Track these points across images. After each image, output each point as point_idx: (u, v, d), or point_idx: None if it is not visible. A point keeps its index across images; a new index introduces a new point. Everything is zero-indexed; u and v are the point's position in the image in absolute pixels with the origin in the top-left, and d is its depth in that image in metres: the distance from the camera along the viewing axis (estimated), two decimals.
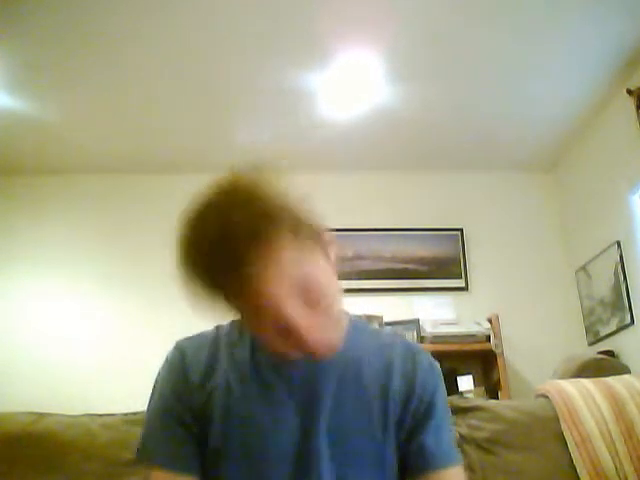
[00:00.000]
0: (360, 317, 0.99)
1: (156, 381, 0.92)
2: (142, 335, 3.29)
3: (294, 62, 2.90)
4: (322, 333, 0.78)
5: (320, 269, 0.80)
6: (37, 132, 3.32)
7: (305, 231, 0.78)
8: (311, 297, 0.77)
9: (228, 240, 0.74)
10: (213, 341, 0.93)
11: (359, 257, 3.63)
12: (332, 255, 0.84)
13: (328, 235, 0.83)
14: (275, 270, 0.74)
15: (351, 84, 3.06)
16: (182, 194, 3.70)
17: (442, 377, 0.95)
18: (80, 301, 3.50)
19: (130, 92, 3.07)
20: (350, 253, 3.60)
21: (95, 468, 1.22)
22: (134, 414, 1.30)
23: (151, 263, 3.53)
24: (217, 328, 0.95)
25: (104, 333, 3.42)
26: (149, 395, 0.92)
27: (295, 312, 0.75)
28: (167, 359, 0.92)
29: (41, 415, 1.32)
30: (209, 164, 3.58)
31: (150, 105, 3.19)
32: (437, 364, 0.96)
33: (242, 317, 0.82)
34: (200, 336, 0.95)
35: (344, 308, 0.87)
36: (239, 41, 2.74)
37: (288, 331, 0.76)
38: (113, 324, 3.44)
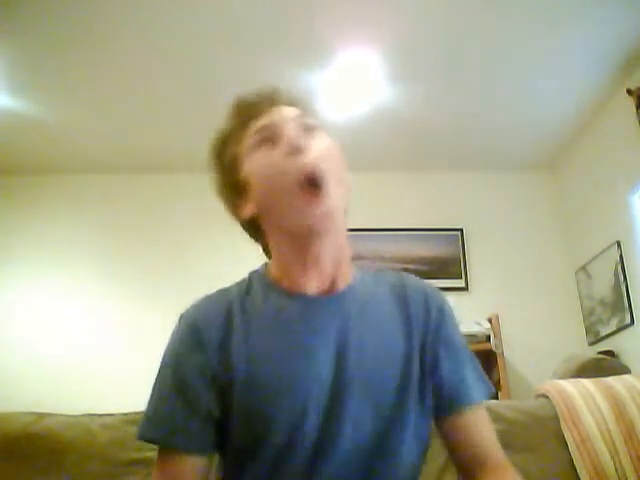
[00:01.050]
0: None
1: (165, 358, 0.87)
2: (142, 335, 3.29)
3: (294, 62, 2.90)
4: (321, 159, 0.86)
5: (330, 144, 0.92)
6: (37, 132, 3.32)
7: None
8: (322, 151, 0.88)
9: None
10: (222, 301, 0.90)
11: (359, 257, 3.63)
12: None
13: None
14: (295, 116, 0.95)
15: (351, 84, 3.06)
16: (182, 194, 3.74)
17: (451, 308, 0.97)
18: (80, 301, 3.50)
19: (130, 92, 3.07)
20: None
21: (95, 468, 1.22)
22: (134, 414, 1.30)
23: (151, 262, 3.54)
24: (224, 290, 0.93)
25: (104, 333, 3.42)
26: (156, 372, 0.87)
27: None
28: (176, 333, 0.88)
29: (41, 415, 1.32)
30: (209, 164, 3.60)
31: (150, 105, 3.19)
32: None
33: (258, 156, 0.90)
34: (207, 301, 0.91)
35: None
36: (240, 41, 2.74)
37: (297, 148, 0.85)
38: (113, 324, 3.44)
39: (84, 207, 3.68)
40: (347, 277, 0.91)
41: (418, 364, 0.87)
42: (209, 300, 0.91)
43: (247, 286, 0.92)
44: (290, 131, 0.89)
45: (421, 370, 0.87)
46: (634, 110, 2.89)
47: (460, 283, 3.64)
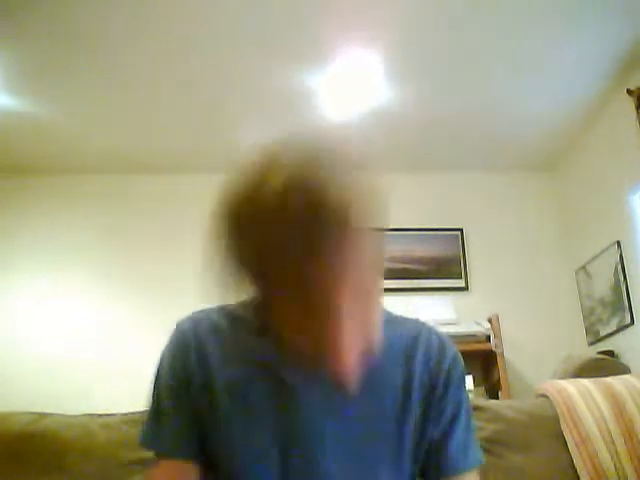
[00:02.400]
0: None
1: (161, 364, 0.87)
2: (143, 335, 3.29)
3: (295, 62, 2.90)
4: (355, 355, 0.69)
5: (377, 283, 0.72)
6: (37, 132, 3.32)
7: (378, 231, 0.70)
8: (364, 322, 0.69)
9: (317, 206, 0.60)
10: (221, 324, 0.87)
11: None
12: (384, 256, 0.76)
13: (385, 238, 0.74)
14: (346, 275, 0.64)
15: (351, 84, 3.06)
16: (182, 194, 3.74)
17: (464, 372, 0.89)
18: (80, 301, 3.50)
19: (130, 92, 3.07)
20: None
21: (95, 468, 1.22)
22: (134, 414, 1.30)
23: (152, 263, 3.54)
24: (224, 309, 0.89)
25: (104, 333, 3.42)
26: (152, 378, 0.88)
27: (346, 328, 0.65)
28: (169, 344, 0.87)
29: (41, 415, 1.32)
30: (209, 164, 3.59)
31: (150, 105, 3.19)
32: (461, 358, 0.89)
33: (267, 304, 0.70)
34: (205, 317, 0.88)
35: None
36: (240, 41, 2.74)
37: (325, 341, 0.66)
38: (113, 324, 3.44)
39: (83, 207, 3.68)
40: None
41: (411, 433, 0.83)
42: (205, 317, 0.88)
43: (244, 315, 0.86)
44: (342, 357, 0.66)
45: (413, 438, 0.83)
46: (634, 110, 2.89)
47: (460, 283, 3.64)
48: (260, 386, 0.82)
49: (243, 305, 0.88)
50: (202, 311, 0.90)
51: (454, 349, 0.89)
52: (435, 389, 0.85)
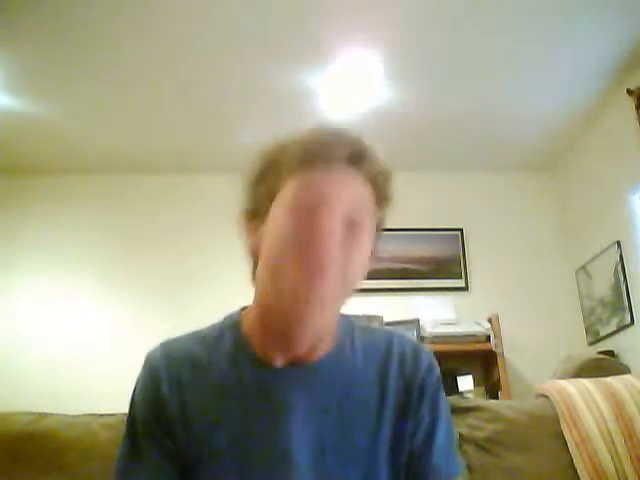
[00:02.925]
0: (354, 317, 0.93)
1: (133, 397, 0.86)
2: (143, 334, 3.29)
3: (295, 62, 2.90)
4: (317, 320, 0.76)
5: (363, 255, 0.80)
6: (37, 132, 3.32)
7: (381, 204, 0.85)
8: (347, 270, 0.77)
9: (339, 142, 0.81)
10: (195, 350, 0.85)
11: None
12: (376, 249, 0.85)
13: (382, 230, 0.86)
14: (347, 201, 0.78)
15: (351, 84, 3.06)
16: (182, 194, 3.74)
17: (441, 378, 0.90)
18: (80, 301, 3.50)
19: (130, 92, 3.07)
20: None
21: (95, 468, 1.21)
22: None
23: (152, 263, 3.54)
24: (196, 334, 0.89)
25: (104, 332, 3.42)
26: (128, 411, 0.86)
27: (332, 242, 0.75)
28: (140, 379, 0.86)
29: (41, 415, 1.32)
30: (209, 164, 3.60)
31: (150, 105, 3.19)
32: (436, 365, 0.90)
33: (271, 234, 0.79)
34: (177, 345, 0.87)
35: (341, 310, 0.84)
36: (240, 41, 2.74)
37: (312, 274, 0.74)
38: (113, 323, 3.44)
39: (84, 208, 3.68)
40: (326, 345, 0.84)
41: (387, 442, 0.83)
42: (176, 346, 0.87)
43: (217, 337, 0.87)
44: (323, 245, 0.74)
45: (390, 447, 0.83)
46: (634, 110, 2.89)
47: (460, 283, 3.64)
48: (242, 415, 0.81)
49: (215, 327, 0.89)
50: (174, 339, 0.89)
51: (429, 356, 0.90)
52: (411, 396, 0.85)
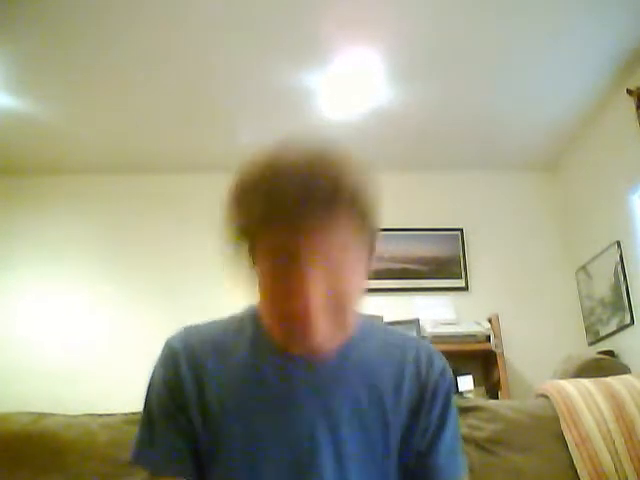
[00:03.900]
0: (372, 317, 0.95)
1: (152, 379, 0.87)
2: (142, 334, 3.29)
3: (295, 62, 2.90)
4: (328, 330, 0.76)
5: (358, 273, 0.79)
6: (37, 132, 3.31)
7: (367, 226, 0.78)
8: (337, 302, 0.76)
9: (314, 177, 0.71)
10: (215, 336, 0.87)
11: None
12: (373, 255, 0.83)
13: (379, 235, 0.82)
14: (331, 241, 0.73)
15: (351, 84, 3.06)
16: (182, 194, 3.74)
17: (453, 383, 0.92)
18: (80, 301, 3.50)
19: (130, 92, 3.07)
20: None
21: (95, 468, 1.21)
22: (135, 414, 1.30)
23: (152, 263, 3.54)
24: (215, 323, 0.90)
25: (104, 332, 3.41)
26: (144, 394, 0.88)
27: (317, 294, 0.73)
28: (159, 361, 0.87)
29: (41, 415, 1.32)
30: (209, 164, 3.60)
31: (150, 105, 3.19)
32: (450, 370, 0.92)
33: (259, 270, 0.78)
34: (196, 330, 0.89)
35: (358, 311, 0.84)
36: (240, 41, 2.74)
37: (299, 308, 0.73)
38: (113, 323, 3.43)
39: (84, 208, 3.68)
40: (344, 338, 0.85)
41: (397, 437, 0.85)
42: (198, 331, 0.89)
43: (239, 325, 0.89)
44: (308, 304, 0.73)
45: (399, 442, 0.85)
46: (634, 110, 2.89)
47: (460, 283, 3.64)
48: (259, 403, 0.82)
49: (237, 316, 0.90)
50: (195, 325, 0.90)
51: (443, 362, 0.92)
52: (423, 399, 0.87)
